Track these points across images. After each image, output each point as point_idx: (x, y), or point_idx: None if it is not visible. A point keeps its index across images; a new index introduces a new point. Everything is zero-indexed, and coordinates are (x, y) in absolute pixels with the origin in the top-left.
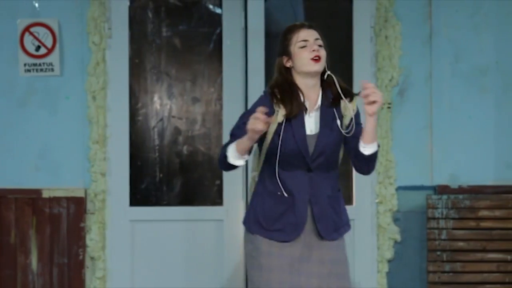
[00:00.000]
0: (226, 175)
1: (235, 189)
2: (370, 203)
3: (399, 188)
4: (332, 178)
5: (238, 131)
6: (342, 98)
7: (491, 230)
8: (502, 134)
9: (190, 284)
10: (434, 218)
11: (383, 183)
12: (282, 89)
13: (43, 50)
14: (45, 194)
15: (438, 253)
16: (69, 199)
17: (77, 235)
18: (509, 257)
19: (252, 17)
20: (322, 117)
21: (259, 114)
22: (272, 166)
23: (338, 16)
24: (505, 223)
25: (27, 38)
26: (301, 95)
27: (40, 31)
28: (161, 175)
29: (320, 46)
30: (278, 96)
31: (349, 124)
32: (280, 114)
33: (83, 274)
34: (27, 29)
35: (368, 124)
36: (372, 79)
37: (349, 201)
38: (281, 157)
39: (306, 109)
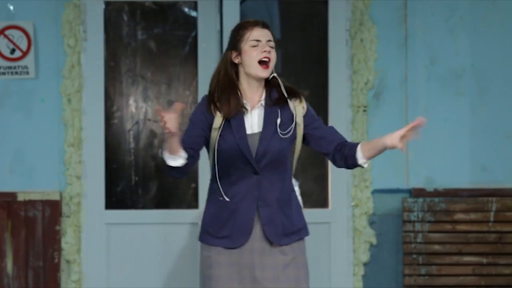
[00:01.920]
0: (202, 178)
1: None
2: (346, 206)
3: (374, 191)
4: (283, 180)
5: (181, 136)
6: (287, 99)
7: (467, 233)
8: (478, 137)
9: (165, 286)
10: (410, 221)
11: (359, 186)
12: (221, 90)
13: (18, 53)
14: (20, 197)
15: (414, 256)
16: (44, 202)
17: (53, 238)
18: (484, 260)
19: (228, 20)
20: (266, 116)
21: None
22: (216, 170)
23: (313, 19)
24: (481, 226)
25: (2, 41)
26: (240, 95)
27: (15, 34)
28: (136, 178)
29: (272, 47)
30: (215, 100)
31: (294, 125)
32: (218, 118)
33: (59, 277)
34: (1, 32)
35: (382, 149)
36: (348, 82)
37: (324, 204)
38: (224, 160)
39: (245, 109)
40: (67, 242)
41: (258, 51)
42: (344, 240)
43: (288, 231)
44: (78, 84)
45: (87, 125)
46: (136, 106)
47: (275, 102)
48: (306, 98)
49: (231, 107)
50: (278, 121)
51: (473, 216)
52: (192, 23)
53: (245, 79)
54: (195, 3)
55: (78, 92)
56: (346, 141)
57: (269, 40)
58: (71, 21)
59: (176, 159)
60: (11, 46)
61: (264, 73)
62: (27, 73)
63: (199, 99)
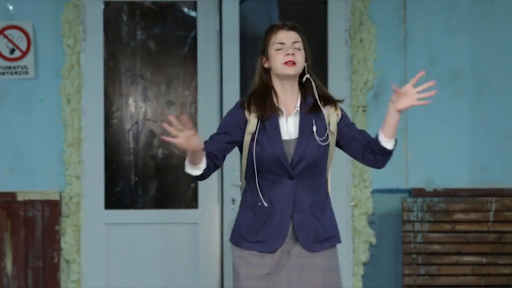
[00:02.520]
0: None
1: (210, 192)
2: (345, 206)
3: (374, 191)
4: (317, 186)
5: (208, 141)
6: (320, 105)
7: (466, 233)
8: (477, 137)
9: (165, 286)
10: (409, 221)
11: (358, 186)
12: (257, 93)
13: (17, 53)
14: (20, 197)
15: (414, 256)
16: (44, 202)
17: (52, 238)
18: (484, 260)
19: (227, 20)
20: (301, 122)
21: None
22: (253, 176)
23: (313, 19)
24: (480, 226)
25: (1, 41)
26: (275, 99)
27: (14, 34)
28: (136, 178)
29: (298, 49)
30: (251, 102)
31: (326, 132)
32: (252, 122)
33: (58, 277)
34: (1, 32)
35: (393, 119)
36: (347, 82)
37: None
38: (259, 165)
39: (281, 112)
40: (66, 242)
41: (282, 54)
42: (344, 240)
43: (321, 237)
44: (77, 84)
45: (86, 125)
46: (135, 106)
47: (311, 109)
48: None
49: (266, 108)
50: (314, 128)
51: (472, 216)
52: (191, 23)
53: (278, 83)
54: (195, 3)
55: (78, 92)
56: (373, 138)
57: (295, 42)
58: (71, 21)
59: (196, 169)
60: (11, 46)
61: (290, 70)
62: (27, 73)
63: (199, 99)
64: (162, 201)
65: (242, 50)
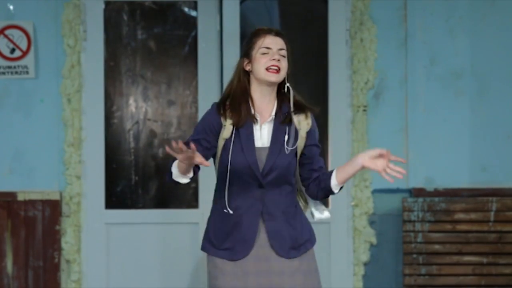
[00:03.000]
0: (202, 178)
1: (211, 192)
2: (346, 206)
3: (374, 191)
4: (287, 193)
5: (187, 146)
6: (293, 113)
7: (467, 233)
8: (478, 137)
9: (165, 286)
10: (410, 221)
11: (358, 186)
12: (232, 98)
13: (18, 53)
14: (20, 197)
15: (414, 256)
16: (44, 202)
17: (52, 238)
18: (484, 260)
19: (228, 20)
20: (275, 131)
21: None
22: (223, 182)
23: (313, 19)
24: (481, 226)
25: (2, 41)
26: (251, 106)
27: (15, 34)
28: (136, 178)
29: (283, 56)
30: (227, 107)
31: (295, 141)
32: (227, 128)
33: (59, 277)
34: (1, 31)
35: (354, 170)
36: (348, 82)
37: (324, 204)
38: (231, 172)
39: (256, 120)
40: (67, 242)
41: (268, 58)
42: (344, 240)
43: (296, 243)
44: (78, 84)
45: (87, 125)
46: (136, 106)
47: (285, 117)
48: (316, 115)
49: (241, 115)
50: (286, 137)
51: (473, 216)
52: (192, 23)
53: (257, 88)
54: (195, 3)
55: (78, 92)
56: (325, 174)
57: (281, 49)
58: (71, 20)
59: (184, 178)
60: (11, 45)
61: (273, 77)
62: (27, 72)
63: (199, 98)
64: (163, 201)
65: (242, 50)
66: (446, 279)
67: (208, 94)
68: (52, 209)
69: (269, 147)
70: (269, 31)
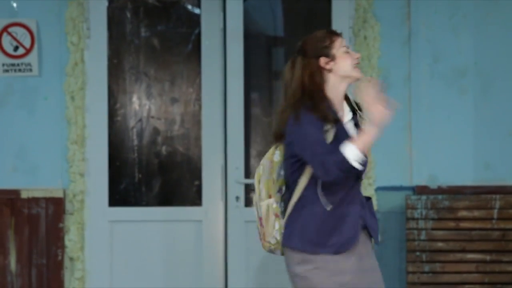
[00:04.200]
0: (206, 175)
1: (214, 190)
2: None
3: (378, 189)
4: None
5: (335, 149)
6: (359, 113)
7: (470, 230)
8: (481, 135)
9: (169, 284)
10: (413, 219)
11: (362, 184)
12: (321, 99)
13: (21, 50)
14: (24, 195)
15: (418, 253)
16: (47, 200)
17: (56, 236)
18: (488, 258)
19: (231, 17)
20: (357, 128)
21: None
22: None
23: (316, 16)
24: (484, 224)
25: (5, 38)
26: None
27: (18, 31)
28: (140, 176)
29: None
30: (320, 109)
31: None
32: (330, 132)
33: (62, 275)
34: (5, 29)
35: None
36: None
37: None
38: None
39: (340, 119)
40: (70, 240)
41: (352, 57)
42: None
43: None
44: (81, 81)
45: (90, 122)
46: (139, 104)
47: (360, 117)
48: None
49: (330, 115)
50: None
51: (476, 213)
52: (195, 21)
53: (335, 86)
54: (198, 1)
55: (82, 89)
56: None
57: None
58: (75, 18)
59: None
60: (15, 43)
61: (360, 73)
62: (30, 70)
63: (203, 96)
64: (166, 199)
65: (246, 48)
66: (449, 276)
67: (212, 92)
68: (56, 207)
69: None
70: (338, 33)
